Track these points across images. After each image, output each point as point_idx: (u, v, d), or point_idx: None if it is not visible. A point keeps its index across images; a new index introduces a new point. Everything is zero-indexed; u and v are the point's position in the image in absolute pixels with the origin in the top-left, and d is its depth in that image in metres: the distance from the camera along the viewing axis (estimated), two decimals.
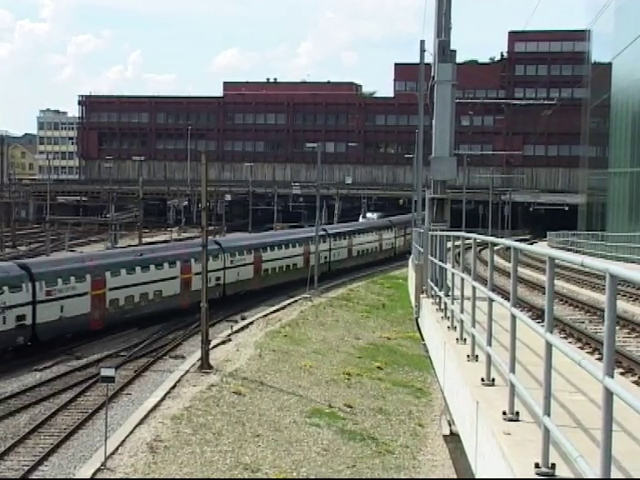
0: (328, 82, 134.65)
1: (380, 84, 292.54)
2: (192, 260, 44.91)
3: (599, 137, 70.75)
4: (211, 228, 64.92)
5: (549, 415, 5.87)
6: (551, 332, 5.92)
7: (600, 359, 10.24)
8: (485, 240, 11.17)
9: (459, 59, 23.12)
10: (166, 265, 44.04)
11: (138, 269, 41.95)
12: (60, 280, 36.51)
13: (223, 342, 34.25)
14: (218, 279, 47.88)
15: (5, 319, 32.89)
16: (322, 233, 62.57)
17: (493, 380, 8.79)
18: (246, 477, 19.12)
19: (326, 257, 63.02)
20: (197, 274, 43.76)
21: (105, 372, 21.56)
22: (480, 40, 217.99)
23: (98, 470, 18.67)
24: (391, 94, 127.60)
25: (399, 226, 78.73)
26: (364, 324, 42.29)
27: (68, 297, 36.60)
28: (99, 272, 39.20)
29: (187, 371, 28.33)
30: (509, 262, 8.16)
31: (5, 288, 33.31)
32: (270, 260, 54.64)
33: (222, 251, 49.64)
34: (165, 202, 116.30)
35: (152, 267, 43.06)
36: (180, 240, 76.42)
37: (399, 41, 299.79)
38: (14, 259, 47.58)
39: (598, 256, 47.85)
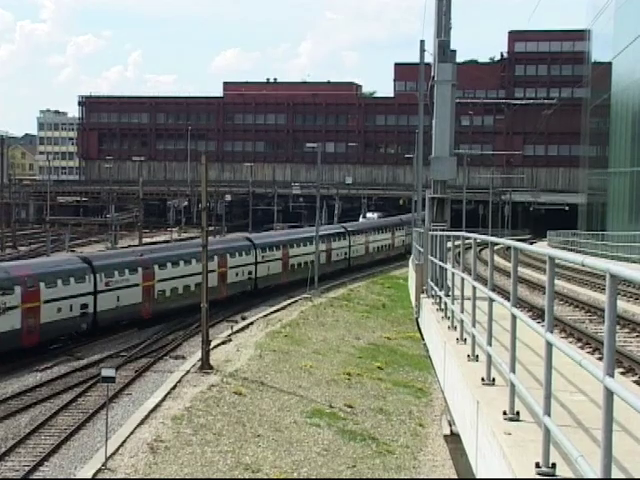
0: (328, 82, 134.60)
1: (380, 84, 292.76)
2: (227, 255, 48.86)
3: (599, 137, 70.78)
4: (211, 228, 64.99)
5: (549, 415, 5.87)
6: (551, 332, 5.92)
7: (600, 359, 10.24)
8: (485, 240, 11.18)
9: (459, 59, 23.14)
10: None
11: (182, 263, 44.51)
12: (117, 272, 39.97)
13: (223, 342, 34.23)
14: (250, 273, 51.44)
15: (72, 307, 36.50)
16: (342, 231, 67.54)
17: (493, 380, 8.79)
18: (247, 477, 19.12)
19: (346, 253, 66.27)
20: (231, 268, 49.15)
21: (106, 372, 21.56)
22: (480, 40, 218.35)
23: (99, 471, 18.66)
24: (391, 94, 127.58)
25: (409, 224, 79.71)
26: (364, 324, 42.28)
27: (123, 288, 40.02)
28: (149, 265, 42.37)
29: (187, 371, 28.32)
30: (509, 262, 8.16)
31: (72, 279, 36.87)
32: (296, 256, 57.14)
33: (254, 247, 52.64)
34: (165, 202, 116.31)
35: (194, 261, 44.51)
36: (181, 240, 76.63)
37: (399, 41, 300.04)
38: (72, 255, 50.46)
39: (598, 256, 47.87)
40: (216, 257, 46.94)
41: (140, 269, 41.45)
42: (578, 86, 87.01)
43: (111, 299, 38.99)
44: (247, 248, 51.96)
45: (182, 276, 43.88)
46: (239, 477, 19.06)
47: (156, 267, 42.72)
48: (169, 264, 43.72)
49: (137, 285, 41.07)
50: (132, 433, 20.96)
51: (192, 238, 73.95)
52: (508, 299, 7.69)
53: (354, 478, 20.35)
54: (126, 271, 40.49)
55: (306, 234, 62.61)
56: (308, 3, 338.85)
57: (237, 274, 49.69)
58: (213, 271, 45.96)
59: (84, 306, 37.29)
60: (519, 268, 8.21)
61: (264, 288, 52.42)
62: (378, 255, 73.33)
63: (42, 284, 35.02)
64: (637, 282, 4.37)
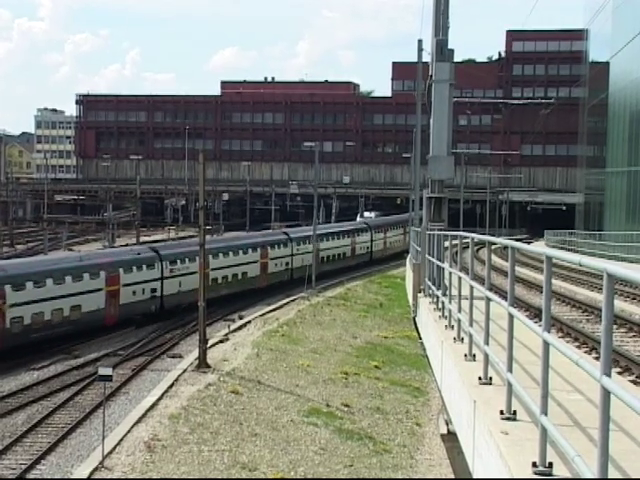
0: (326, 81, 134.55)
1: (378, 83, 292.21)
2: (268, 247, 54.85)
3: (597, 136, 70.83)
4: (209, 227, 65.13)
5: (546, 414, 5.87)
6: (548, 331, 5.92)
7: (597, 358, 10.25)
8: (482, 239, 11.19)
9: (457, 58, 23.11)
10: (250, 251, 52.46)
11: (231, 254, 49.91)
12: (179, 261, 45.17)
13: (220, 341, 34.23)
14: (287, 264, 56.97)
15: (144, 291, 41.96)
16: (365, 226, 73.97)
17: (490, 379, 8.79)
18: (244, 476, 19.12)
19: (368, 247, 72.11)
20: (272, 259, 55.04)
21: (102, 371, 21.54)
22: (478, 39, 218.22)
23: (96, 469, 18.66)
24: (389, 93, 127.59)
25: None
26: (362, 323, 42.28)
27: (185, 275, 44.90)
28: (113, 270, 44.95)
29: (185, 370, 28.30)
30: (507, 261, 8.15)
31: (144, 266, 42.30)
32: (326, 249, 62.57)
33: (290, 240, 57.92)
34: (163, 201, 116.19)
35: (240, 252, 51.12)
36: (180, 238, 76.65)
37: (397, 40, 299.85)
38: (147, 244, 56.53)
39: (595, 255, 47.91)
40: (259, 249, 53.63)
41: (197, 258, 43.29)
42: (576, 86, 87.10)
43: (175, 285, 44.15)
44: (285, 241, 57.42)
45: (230, 266, 49.33)
46: (236, 476, 19.06)
47: (210, 257, 45.95)
48: (221, 255, 48.69)
49: (195, 273, 43.34)
50: (129, 432, 20.95)
51: (190, 237, 73.95)
52: (505, 298, 7.70)
53: (351, 478, 20.36)
54: (187, 260, 45.27)
55: (335, 229, 69.39)
56: (305, 1, 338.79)
57: (276, 265, 55.43)
58: (256, 262, 53.00)
59: (153, 290, 42.57)
60: (516, 267, 8.21)
61: (299, 278, 56.09)
62: (392, 250, 77.27)
63: (121, 270, 40.41)
64: (634, 282, 4.38)
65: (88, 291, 37.80)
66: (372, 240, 72.88)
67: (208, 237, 62.93)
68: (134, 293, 40.77)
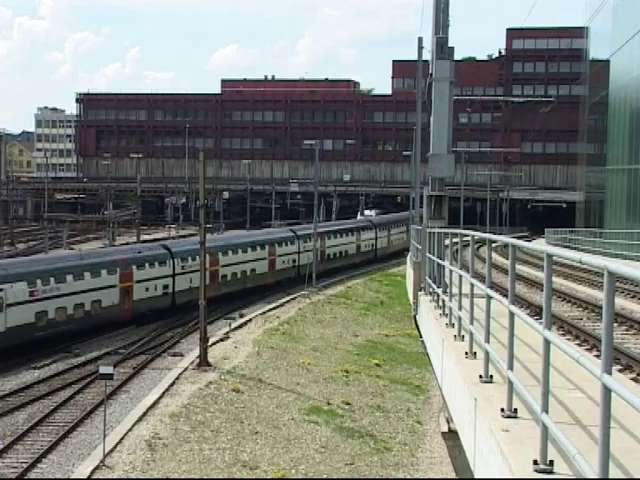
0: (326, 79, 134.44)
1: (378, 81, 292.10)
2: (361, 231, 70.21)
3: (597, 134, 70.81)
4: (209, 226, 65.21)
5: (547, 412, 5.87)
6: (549, 329, 5.93)
7: (598, 356, 10.26)
8: (483, 237, 11.19)
9: (457, 56, 23.14)
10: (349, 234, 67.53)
11: (338, 235, 64.85)
12: (327, 237, 62.15)
13: (221, 340, 34.22)
14: (372, 245, 72.03)
15: (289, 261, 56.45)
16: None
17: (491, 377, 8.80)
18: (244, 475, 19.13)
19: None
20: (362, 241, 69.51)
21: (103, 370, 21.53)
22: (478, 37, 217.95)
23: (97, 467, 18.67)
24: (389, 91, 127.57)
25: None
26: (362, 321, 42.30)
27: (310, 251, 56.62)
28: (323, 237, 60.69)
29: (185, 369, 28.31)
30: (507, 259, 8.15)
31: (288, 242, 57.27)
32: (393, 234, 77.41)
33: (374, 227, 72.80)
34: (163, 199, 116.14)
35: (344, 235, 66.60)
36: (181, 237, 76.63)
37: (398, 38, 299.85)
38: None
39: (596, 253, 47.92)
40: (356, 233, 68.38)
41: (319, 239, 58.99)
42: (576, 83, 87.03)
43: (305, 257, 56.62)
44: (370, 227, 72.99)
45: (337, 245, 63.33)
46: (237, 475, 19.07)
47: (326, 238, 62.11)
48: (332, 236, 63.42)
49: (337, 245, 63.16)
50: (130, 430, 20.96)
51: (191, 235, 74.05)
52: (506, 296, 7.70)
53: (352, 478, 20.36)
54: (332, 236, 62.77)
55: (397, 219, 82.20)
56: (307, 0, 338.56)
57: (365, 245, 70.50)
58: (353, 243, 67.65)
59: (294, 260, 56.95)
60: (517, 265, 8.21)
61: (380, 256, 72.38)
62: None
63: (276, 245, 55.09)
64: (635, 279, 4.38)
65: (258, 259, 52.28)
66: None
67: (324, 223, 77.86)
68: (283, 262, 55.76)
